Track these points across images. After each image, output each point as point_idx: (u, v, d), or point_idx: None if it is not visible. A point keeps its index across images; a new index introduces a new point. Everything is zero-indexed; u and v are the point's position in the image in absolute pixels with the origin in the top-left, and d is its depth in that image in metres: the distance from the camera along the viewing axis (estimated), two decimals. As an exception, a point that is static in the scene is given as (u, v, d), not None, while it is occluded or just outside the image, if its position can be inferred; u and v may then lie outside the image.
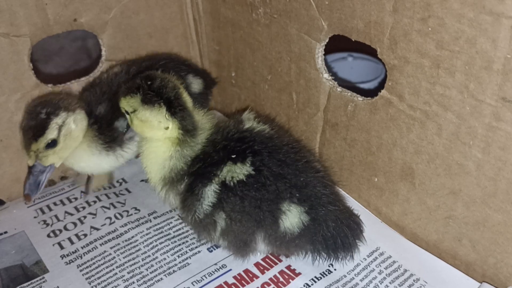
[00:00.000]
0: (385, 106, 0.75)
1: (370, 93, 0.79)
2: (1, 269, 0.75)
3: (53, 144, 0.76)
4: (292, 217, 0.69)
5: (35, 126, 0.75)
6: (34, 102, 0.79)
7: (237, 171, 0.70)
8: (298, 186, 0.70)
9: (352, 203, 0.85)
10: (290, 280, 0.72)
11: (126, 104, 0.72)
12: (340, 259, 0.72)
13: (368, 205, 0.84)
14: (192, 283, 0.73)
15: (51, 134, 0.75)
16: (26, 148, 0.76)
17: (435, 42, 0.65)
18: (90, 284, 0.72)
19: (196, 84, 0.94)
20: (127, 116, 0.74)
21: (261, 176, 0.69)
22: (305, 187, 0.70)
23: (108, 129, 0.82)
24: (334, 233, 0.70)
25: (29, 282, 0.72)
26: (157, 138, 0.73)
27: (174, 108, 0.71)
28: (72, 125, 0.77)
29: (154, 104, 0.70)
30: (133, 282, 0.73)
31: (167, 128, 0.71)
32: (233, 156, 0.71)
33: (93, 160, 0.83)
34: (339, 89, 0.82)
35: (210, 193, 0.70)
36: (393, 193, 0.79)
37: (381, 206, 0.82)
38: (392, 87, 0.73)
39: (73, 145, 0.79)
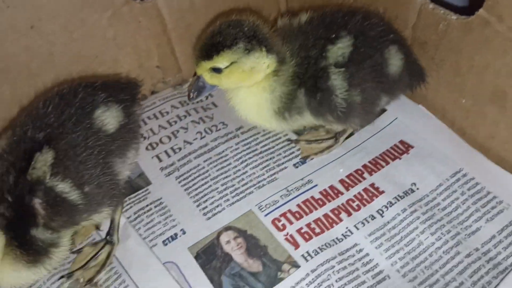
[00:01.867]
0: (481, 27, 0.72)
1: (463, 11, 0.76)
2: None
3: None
4: (394, 59, 0.77)
5: None
6: None
7: (342, 47, 0.74)
8: (388, 36, 0.77)
9: (436, 122, 0.85)
10: (374, 197, 0.76)
11: (221, 60, 0.70)
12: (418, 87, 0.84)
13: (452, 125, 0.84)
14: (280, 196, 0.78)
15: None
16: None
17: (547, -39, 0.60)
18: (188, 195, 0.80)
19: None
20: (206, 76, 0.73)
21: (360, 38, 0.75)
22: (393, 33, 0.79)
23: (26, 241, 0.63)
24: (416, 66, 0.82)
25: (135, 194, 0.80)
26: (255, 81, 0.74)
27: (270, 44, 0.71)
28: None
29: (256, 48, 0.70)
30: (227, 194, 0.79)
31: (268, 66, 0.72)
32: (333, 36, 0.75)
33: (19, 276, 0.64)
34: (431, 5, 0.79)
35: (337, 80, 0.74)
36: (480, 116, 0.79)
37: (466, 127, 0.82)
38: (491, 6, 0.70)
39: None
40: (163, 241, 0.74)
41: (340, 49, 0.74)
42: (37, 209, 0.62)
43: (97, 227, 0.75)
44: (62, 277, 0.70)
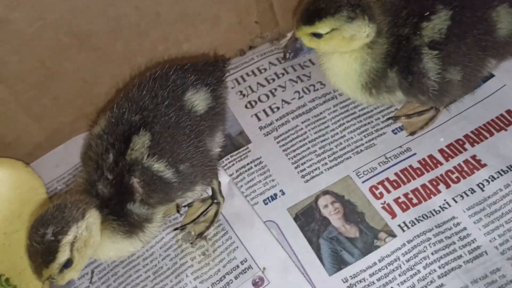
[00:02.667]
0: None
1: None
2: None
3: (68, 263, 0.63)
4: (504, 21, 0.73)
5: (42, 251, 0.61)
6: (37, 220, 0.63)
7: (438, 22, 0.71)
8: None
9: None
10: (475, 170, 0.75)
11: (323, 26, 0.70)
12: None
13: None
14: (378, 163, 0.79)
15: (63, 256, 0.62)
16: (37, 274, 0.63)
17: None
18: (287, 156, 0.83)
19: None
20: (305, 39, 0.73)
21: (458, 10, 0.71)
22: None
23: (122, 214, 0.68)
24: None
25: (237, 151, 0.84)
26: (352, 50, 0.73)
27: (372, 13, 0.70)
28: (85, 233, 0.64)
29: (359, 17, 0.69)
30: (325, 158, 0.81)
31: (368, 35, 0.71)
32: (426, 14, 0.72)
33: (118, 248, 0.70)
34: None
35: (430, 63, 0.72)
36: None
37: None
38: None
39: (91, 252, 0.67)
40: (264, 200, 0.78)
41: (437, 25, 0.71)
42: (135, 187, 0.67)
43: (178, 210, 0.80)
44: (176, 229, 0.78)
